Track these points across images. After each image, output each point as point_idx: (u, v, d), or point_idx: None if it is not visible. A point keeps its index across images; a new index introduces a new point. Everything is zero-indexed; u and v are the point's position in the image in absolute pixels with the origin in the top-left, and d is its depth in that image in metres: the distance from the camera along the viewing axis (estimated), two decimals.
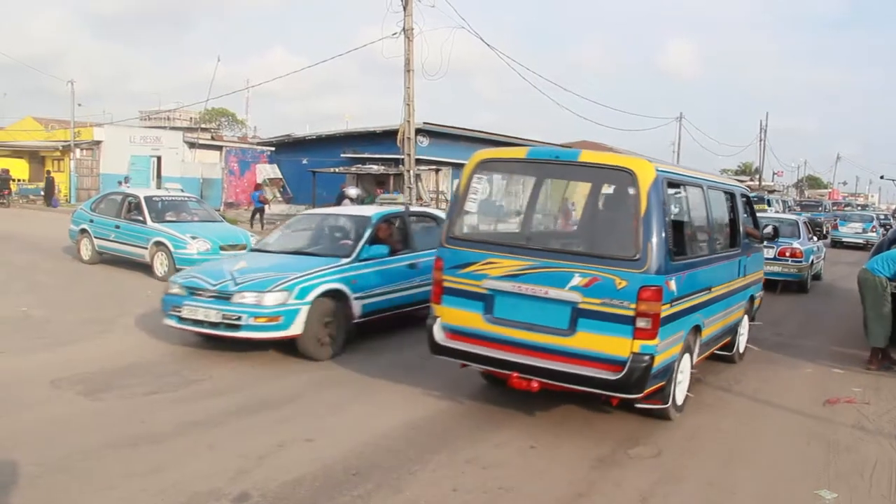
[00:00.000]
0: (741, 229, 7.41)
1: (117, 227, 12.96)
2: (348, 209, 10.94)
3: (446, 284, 5.77)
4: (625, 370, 4.95)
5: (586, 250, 5.54)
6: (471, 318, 5.60)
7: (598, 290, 5.05)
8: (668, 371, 5.40)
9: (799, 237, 13.92)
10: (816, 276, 15.31)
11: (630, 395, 5.11)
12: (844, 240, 27.37)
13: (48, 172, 35.96)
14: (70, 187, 36.01)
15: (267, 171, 34.91)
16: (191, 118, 53.66)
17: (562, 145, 39.48)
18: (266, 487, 4.17)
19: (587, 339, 5.10)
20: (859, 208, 46.17)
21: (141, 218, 12.63)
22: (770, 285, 9.94)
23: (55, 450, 4.61)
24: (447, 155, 29.13)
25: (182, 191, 14.73)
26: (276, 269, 7.36)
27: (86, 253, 13.64)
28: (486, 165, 6.20)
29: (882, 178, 65.33)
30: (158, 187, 30.72)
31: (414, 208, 10.52)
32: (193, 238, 11.96)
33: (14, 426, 5.05)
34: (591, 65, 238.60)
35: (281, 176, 34.39)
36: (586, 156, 5.73)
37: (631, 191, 5.20)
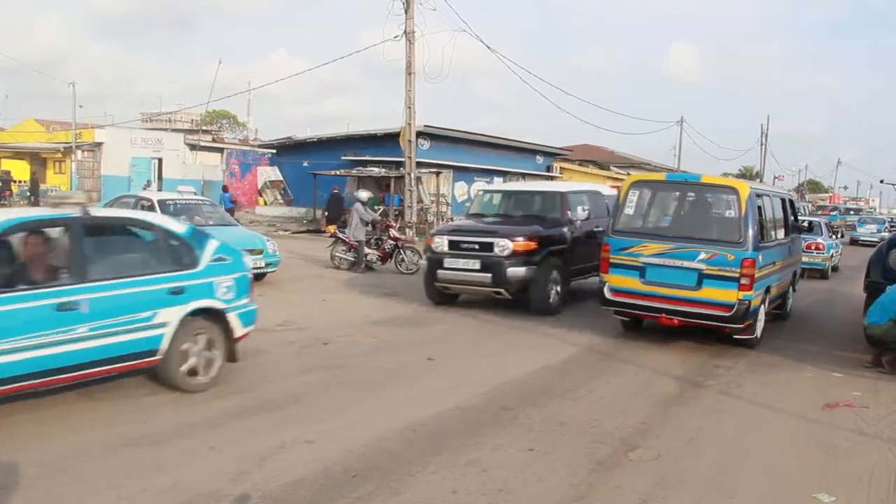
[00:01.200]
0: (790, 224, 10.51)
1: None
2: None
3: (612, 261, 8.71)
4: (733, 310, 7.99)
5: (708, 237, 8.38)
6: (630, 281, 8.57)
7: (716, 261, 8.07)
8: (756, 314, 8.40)
9: (822, 234, 17.48)
10: (835, 268, 18.56)
11: (735, 326, 8.15)
12: (861, 239, 31.94)
13: (33, 174, 35.83)
14: (71, 189, 36.05)
15: (268, 173, 34.99)
16: (192, 120, 53.78)
17: (563, 148, 39.55)
18: (266, 489, 4.18)
19: (709, 292, 8.11)
20: (850, 213, 45.80)
21: None
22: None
23: (56, 450, 4.63)
24: (448, 158, 29.15)
25: (195, 193, 14.54)
26: None
27: None
28: (637, 184, 9.30)
29: (882, 182, 65.35)
30: (159, 189, 30.85)
31: (104, 212, 7.79)
32: None
33: (14, 427, 5.06)
34: (592, 68, 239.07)
35: (282, 178, 34.43)
36: (706, 178, 9.04)
37: (735, 201, 8.32)
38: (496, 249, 10.12)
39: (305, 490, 4.20)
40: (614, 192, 12.06)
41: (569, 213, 11.09)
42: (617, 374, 7.32)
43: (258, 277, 12.37)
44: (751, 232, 8.10)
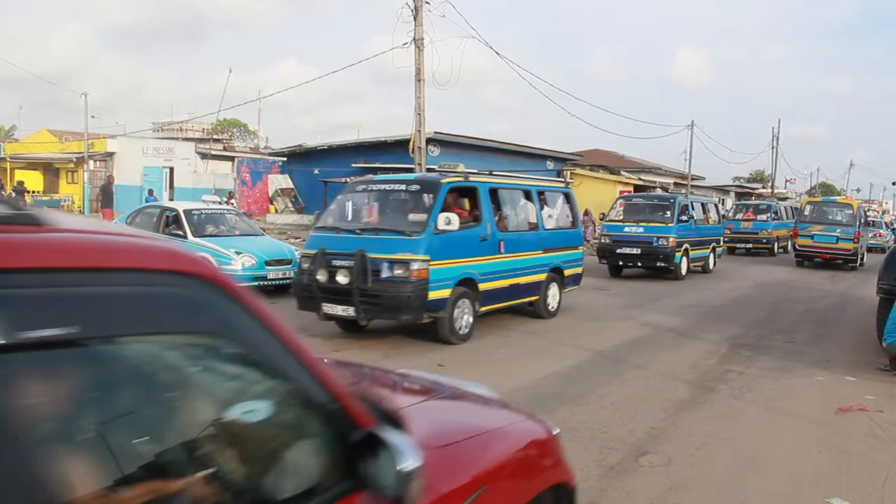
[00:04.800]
0: (865, 221, 24.98)
1: None
2: None
3: (800, 234, 21.84)
4: (851, 252, 21.46)
5: (840, 223, 21.54)
6: (807, 241, 21.64)
7: (844, 232, 21.29)
8: (858, 255, 22.18)
9: (882, 228, 34.25)
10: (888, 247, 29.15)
11: (853, 259, 21.69)
12: None
13: (20, 182, 35.70)
14: (84, 199, 36.34)
15: (279, 181, 35.13)
16: (203, 129, 54.07)
17: (574, 153, 39.51)
18: None
19: (841, 245, 21.34)
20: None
21: (181, 232, 12.04)
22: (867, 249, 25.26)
23: None
24: (458, 164, 29.17)
25: (220, 203, 14.36)
26: None
27: None
28: (809, 202, 23.93)
29: (894, 184, 65.02)
30: (171, 199, 31.04)
31: None
32: (238, 253, 11.49)
33: None
34: (602, 74, 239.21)
35: (293, 186, 34.55)
36: (839, 199, 27.45)
37: (851, 208, 22.38)
38: None
39: None
40: None
41: None
42: (627, 380, 7.29)
43: (286, 288, 12.34)
44: (857, 220, 21.46)
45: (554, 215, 11.46)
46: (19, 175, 38.33)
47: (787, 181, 69.01)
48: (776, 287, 16.31)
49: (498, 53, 33.71)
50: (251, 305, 1.59)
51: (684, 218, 17.07)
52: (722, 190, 54.63)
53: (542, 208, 10.82)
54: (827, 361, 8.40)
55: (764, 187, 61.46)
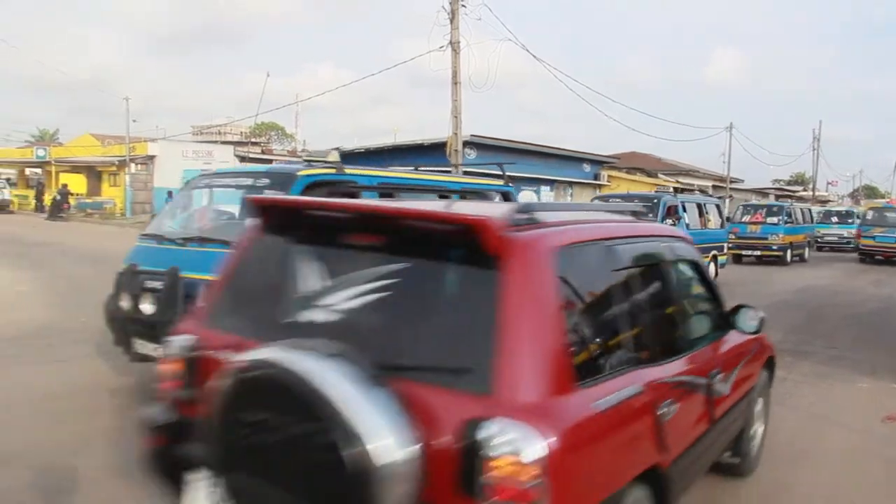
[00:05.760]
0: None
1: None
2: None
3: (863, 235, 24.60)
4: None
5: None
6: (869, 241, 24.20)
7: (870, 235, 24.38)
8: None
9: None
10: None
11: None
12: None
13: (63, 185, 36.32)
14: (125, 201, 37.07)
15: None
16: (241, 132, 54.79)
17: (611, 156, 39.24)
18: None
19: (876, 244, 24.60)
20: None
21: None
22: None
23: (118, 455, 4.76)
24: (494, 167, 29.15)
25: None
26: None
27: None
28: (871, 207, 27.38)
29: None
30: None
31: None
32: None
33: (82, 433, 5.22)
34: (639, 76, 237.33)
35: None
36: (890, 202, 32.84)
37: None
38: None
39: None
40: None
41: None
42: None
43: None
44: None
45: None
46: (63, 178, 39.26)
47: (828, 184, 67.81)
48: (812, 294, 15.98)
49: (535, 56, 33.75)
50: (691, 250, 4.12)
51: (671, 222, 14.25)
52: (761, 193, 53.82)
53: None
54: (871, 367, 8.22)
55: (805, 189, 60.42)
